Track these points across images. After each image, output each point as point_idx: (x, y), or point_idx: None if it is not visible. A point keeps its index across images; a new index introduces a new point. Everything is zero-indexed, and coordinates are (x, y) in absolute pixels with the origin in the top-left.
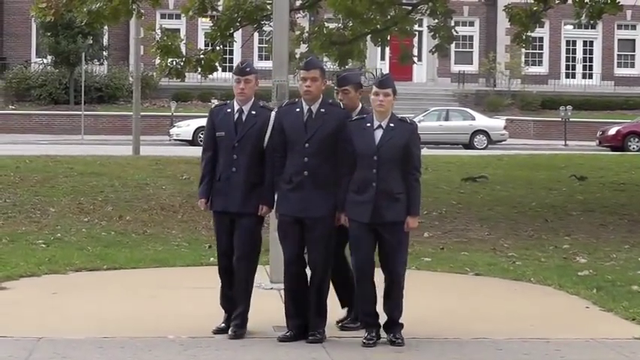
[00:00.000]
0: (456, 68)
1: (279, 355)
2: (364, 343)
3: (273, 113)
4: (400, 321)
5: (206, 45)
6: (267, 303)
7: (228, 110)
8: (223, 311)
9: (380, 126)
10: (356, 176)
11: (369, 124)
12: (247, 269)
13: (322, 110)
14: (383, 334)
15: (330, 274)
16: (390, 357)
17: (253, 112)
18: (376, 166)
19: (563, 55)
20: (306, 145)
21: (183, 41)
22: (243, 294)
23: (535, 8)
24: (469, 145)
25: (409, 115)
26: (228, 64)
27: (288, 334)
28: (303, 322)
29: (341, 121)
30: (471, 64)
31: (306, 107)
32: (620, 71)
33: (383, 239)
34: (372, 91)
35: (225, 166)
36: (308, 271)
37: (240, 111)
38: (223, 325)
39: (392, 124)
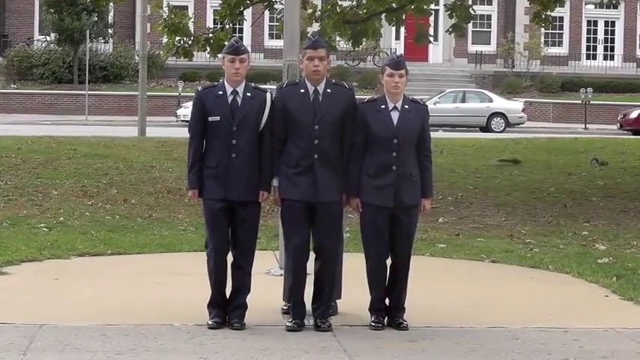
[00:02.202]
0: (473, 48)
1: (290, 344)
2: (375, 326)
3: (268, 95)
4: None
5: (215, 23)
6: (277, 290)
7: (220, 93)
8: (215, 309)
9: (395, 108)
10: (371, 160)
11: (383, 106)
12: (252, 259)
13: (329, 91)
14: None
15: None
16: (403, 345)
17: (249, 94)
18: (396, 149)
19: (584, 35)
20: (316, 127)
21: (192, 19)
22: (248, 285)
23: None
24: (486, 128)
25: (424, 97)
26: None
27: (296, 322)
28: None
29: (349, 101)
30: (489, 44)
31: (311, 88)
32: None
33: (399, 223)
34: (385, 72)
35: (222, 152)
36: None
37: (235, 93)
38: (218, 319)
39: (406, 106)
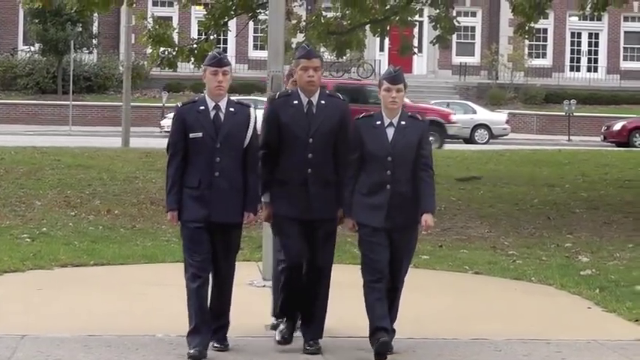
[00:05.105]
0: (457, 60)
1: (274, 356)
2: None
3: (251, 110)
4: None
5: (199, 34)
6: (260, 301)
7: (202, 108)
8: (197, 338)
9: (391, 124)
10: (366, 178)
11: (378, 122)
12: (232, 279)
13: (322, 102)
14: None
15: None
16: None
17: (232, 109)
18: (391, 167)
19: (568, 47)
20: (310, 140)
21: (176, 30)
22: (229, 305)
23: None
24: (470, 140)
25: None
26: None
27: (285, 336)
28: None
29: (343, 113)
30: (473, 55)
31: (305, 99)
32: (626, 65)
33: (395, 245)
34: (382, 86)
35: (205, 170)
36: None
37: (217, 108)
38: (200, 348)
39: (403, 122)
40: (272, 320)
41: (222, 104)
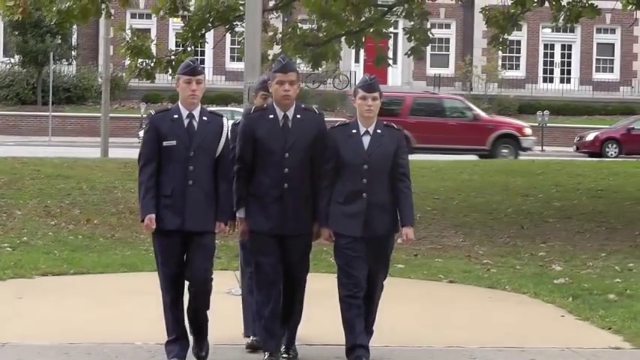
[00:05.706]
0: (431, 71)
1: None
2: None
3: (224, 119)
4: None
5: (177, 46)
6: (237, 309)
7: (175, 116)
8: (176, 348)
9: (367, 132)
10: (342, 187)
11: (354, 131)
12: (210, 291)
13: (298, 116)
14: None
15: None
16: None
17: (205, 118)
18: (367, 176)
19: (541, 58)
20: (286, 155)
21: (154, 42)
22: (207, 319)
23: (513, 11)
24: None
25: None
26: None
27: (272, 356)
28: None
29: (319, 126)
30: (447, 67)
31: (280, 113)
32: (598, 76)
33: (371, 253)
34: (357, 94)
35: (178, 178)
36: None
37: (191, 117)
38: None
39: (379, 131)
40: (246, 340)
41: (196, 113)
